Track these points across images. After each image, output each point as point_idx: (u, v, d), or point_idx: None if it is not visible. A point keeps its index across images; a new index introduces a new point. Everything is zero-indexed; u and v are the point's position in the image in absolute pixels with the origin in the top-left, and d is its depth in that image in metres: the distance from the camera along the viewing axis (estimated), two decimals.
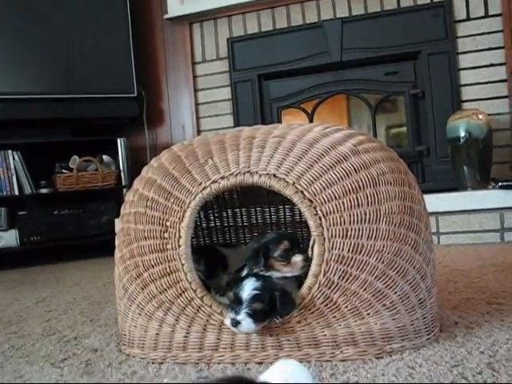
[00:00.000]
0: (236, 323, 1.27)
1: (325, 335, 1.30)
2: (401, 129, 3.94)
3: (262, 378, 0.77)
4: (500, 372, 1.16)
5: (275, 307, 1.27)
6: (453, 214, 3.06)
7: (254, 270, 1.36)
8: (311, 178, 1.30)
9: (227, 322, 1.29)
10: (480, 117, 3.18)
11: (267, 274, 1.35)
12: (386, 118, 4.03)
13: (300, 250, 1.37)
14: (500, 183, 2.98)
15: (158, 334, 1.41)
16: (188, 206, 1.35)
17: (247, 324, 1.27)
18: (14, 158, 3.66)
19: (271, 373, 0.78)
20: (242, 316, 1.26)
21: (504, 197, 2.96)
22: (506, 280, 2.01)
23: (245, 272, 1.40)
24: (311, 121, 3.88)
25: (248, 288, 1.28)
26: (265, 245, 1.39)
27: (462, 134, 3.18)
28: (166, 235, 1.36)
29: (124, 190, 3.86)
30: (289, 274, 1.36)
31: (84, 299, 2.32)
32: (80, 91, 3.79)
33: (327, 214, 1.28)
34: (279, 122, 3.94)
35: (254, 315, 1.26)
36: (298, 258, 1.34)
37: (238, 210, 1.93)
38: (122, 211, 1.50)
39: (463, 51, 3.51)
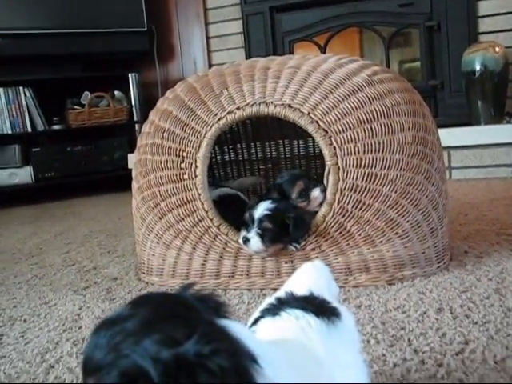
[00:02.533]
0: (246, 240, 1.32)
1: (338, 262, 1.34)
2: (414, 63, 3.87)
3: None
4: (507, 297, 1.19)
5: (287, 230, 1.30)
6: (465, 148, 3.05)
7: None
8: (326, 108, 1.31)
9: (240, 239, 1.34)
10: (497, 49, 3.12)
11: None
12: (399, 52, 3.96)
13: (315, 184, 1.39)
14: None
15: (175, 261, 1.45)
16: (204, 137, 1.37)
17: (255, 242, 1.31)
18: (25, 95, 3.65)
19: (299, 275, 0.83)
20: (252, 234, 1.31)
21: None
22: None
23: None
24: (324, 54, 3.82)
25: (261, 209, 1.32)
26: (280, 187, 1.43)
27: (478, 67, 3.12)
28: (182, 165, 1.39)
29: (136, 125, 3.86)
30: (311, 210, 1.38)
31: (101, 232, 2.37)
32: (90, 26, 3.74)
33: (342, 143, 1.30)
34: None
35: (264, 234, 1.31)
36: (316, 193, 1.36)
37: (252, 143, 1.94)
38: (138, 142, 1.52)
39: None
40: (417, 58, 3.74)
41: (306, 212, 1.37)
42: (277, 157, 1.96)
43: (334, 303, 0.71)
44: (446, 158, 3.03)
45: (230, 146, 1.94)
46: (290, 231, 1.30)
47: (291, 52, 3.87)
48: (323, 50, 3.80)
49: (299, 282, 0.77)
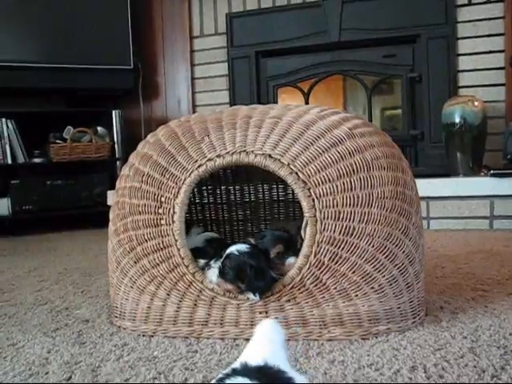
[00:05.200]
0: (208, 267, 1.37)
1: (313, 315, 1.33)
2: (396, 111, 3.95)
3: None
4: (481, 357, 1.19)
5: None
6: (444, 199, 3.09)
7: None
8: (306, 159, 1.32)
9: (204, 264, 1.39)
10: (476, 104, 3.19)
11: None
12: (381, 99, 4.04)
13: (294, 250, 1.39)
14: (492, 171, 3.00)
15: (149, 307, 1.43)
16: (183, 183, 1.36)
17: (211, 274, 1.35)
18: (7, 127, 3.64)
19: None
20: (214, 265, 1.35)
21: (495, 185, 2.98)
22: (491, 267, 2.04)
23: None
24: (307, 100, 3.88)
25: (233, 247, 1.35)
26: (261, 243, 1.44)
27: (457, 120, 3.19)
28: (160, 210, 1.38)
29: (118, 162, 3.86)
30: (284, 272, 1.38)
31: (75, 270, 2.33)
32: (76, 61, 3.76)
33: (320, 196, 1.30)
34: (275, 100, 3.94)
35: (223, 271, 1.33)
36: (291, 260, 1.36)
37: (231, 187, 1.94)
38: (117, 185, 1.51)
39: (463, 36, 3.50)
40: (399, 106, 3.81)
41: (276, 270, 1.37)
42: (256, 201, 1.96)
43: (290, 373, 0.69)
44: (425, 208, 3.06)
45: (209, 189, 1.93)
46: (246, 279, 1.30)
47: (275, 96, 3.93)
48: (307, 96, 3.86)
49: (256, 349, 0.75)
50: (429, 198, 3.08)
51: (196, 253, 1.43)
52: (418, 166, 3.60)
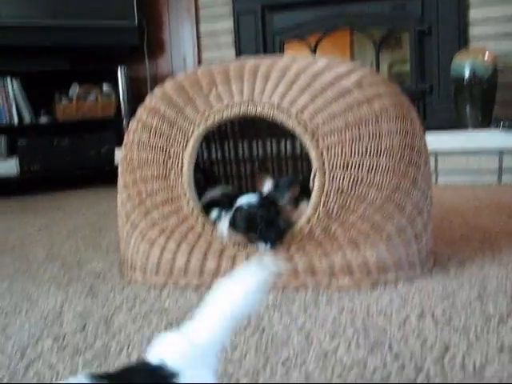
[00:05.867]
0: (218, 219, 1.38)
1: (322, 264, 1.34)
2: (404, 67, 3.88)
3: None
4: (488, 304, 1.20)
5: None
6: (452, 153, 3.07)
7: None
8: (314, 110, 1.31)
9: (214, 216, 1.39)
10: (486, 56, 3.14)
11: None
12: (389, 54, 3.97)
13: (309, 195, 1.39)
14: (502, 123, 2.97)
15: (159, 259, 1.44)
16: (191, 136, 1.36)
17: (222, 226, 1.36)
18: (12, 86, 3.62)
19: None
20: (225, 217, 1.36)
21: (504, 138, 2.95)
22: (500, 220, 2.04)
23: None
24: (314, 54, 3.83)
25: (243, 199, 1.35)
26: (277, 186, 1.44)
27: (467, 73, 3.14)
28: (168, 163, 1.38)
29: (124, 120, 3.84)
30: (295, 219, 1.38)
31: (85, 226, 2.35)
32: (81, 18, 3.71)
33: (329, 146, 1.30)
34: (282, 54, 3.89)
35: (233, 222, 1.34)
36: (305, 204, 1.36)
37: (239, 142, 1.93)
38: (125, 139, 1.51)
39: None
40: (407, 61, 3.75)
41: (285, 219, 1.37)
42: (264, 157, 1.95)
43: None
44: (433, 162, 3.04)
45: (218, 144, 1.93)
46: (258, 230, 1.31)
47: (281, 51, 3.87)
48: (314, 50, 3.80)
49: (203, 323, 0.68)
50: (437, 152, 3.06)
51: (212, 205, 1.43)
52: (426, 120, 3.56)
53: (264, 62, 1.44)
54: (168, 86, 1.48)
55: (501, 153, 2.99)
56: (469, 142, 3.04)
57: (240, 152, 1.96)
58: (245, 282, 0.69)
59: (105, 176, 3.36)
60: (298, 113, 1.31)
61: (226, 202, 1.40)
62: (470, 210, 2.29)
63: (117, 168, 1.57)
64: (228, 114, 1.35)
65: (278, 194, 1.41)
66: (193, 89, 1.40)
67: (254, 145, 1.95)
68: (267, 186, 1.46)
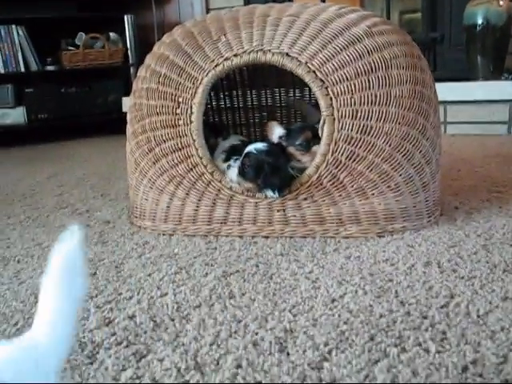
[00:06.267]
0: (228, 167, 1.39)
1: (330, 213, 1.35)
2: (415, 14, 3.80)
3: None
4: (493, 253, 1.21)
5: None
6: (462, 103, 3.04)
7: None
8: (324, 58, 1.30)
9: (225, 164, 1.42)
10: (501, 3, 3.06)
11: None
12: (400, 2, 3.88)
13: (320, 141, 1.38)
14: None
15: (168, 206, 1.46)
16: (200, 83, 1.35)
17: (232, 172, 1.38)
18: (18, 33, 3.58)
19: None
20: (234, 164, 1.38)
21: None
22: (508, 170, 2.04)
23: None
24: (323, 1, 3.75)
25: (251, 146, 1.36)
26: (288, 132, 1.43)
27: (480, 21, 3.07)
28: (178, 111, 1.38)
29: (131, 68, 3.81)
30: (307, 164, 1.38)
31: (94, 175, 2.37)
32: None
33: (338, 94, 1.29)
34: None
35: (242, 169, 1.35)
36: (316, 148, 1.36)
37: (247, 90, 1.92)
38: (134, 86, 1.51)
39: None
40: (418, 9, 3.67)
41: (296, 165, 1.37)
42: (272, 105, 1.94)
43: None
44: (442, 112, 3.01)
45: (226, 93, 1.92)
46: (262, 175, 1.32)
47: None
48: None
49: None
50: (446, 102, 3.03)
51: (232, 151, 1.44)
52: (436, 69, 3.51)
53: (274, 9, 1.42)
54: (177, 32, 1.47)
55: (511, 103, 2.95)
56: (479, 92, 3.00)
57: (249, 100, 1.94)
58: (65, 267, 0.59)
59: (112, 124, 3.35)
60: (308, 61, 1.29)
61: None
62: (478, 159, 2.28)
63: (125, 116, 1.57)
64: (237, 61, 1.34)
65: (289, 140, 1.42)
66: (202, 36, 1.39)
67: (263, 94, 1.94)
68: (277, 132, 1.46)
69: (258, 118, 1.93)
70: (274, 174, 1.31)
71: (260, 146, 1.35)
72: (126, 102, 3.44)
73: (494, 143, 2.70)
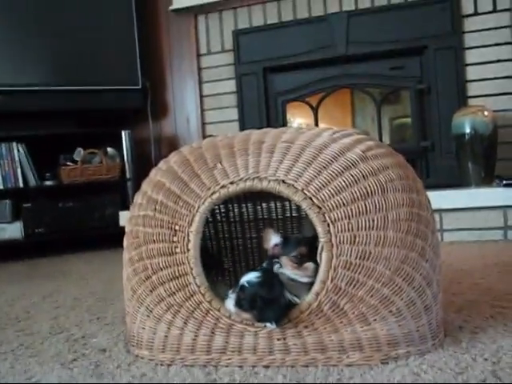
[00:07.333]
0: (226, 298, 1.37)
1: (332, 340, 1.32)
2: (405, 119, 3.93)
3: None
4: (504, 380, 1.17)
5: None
6: (457, 211, 3.07)
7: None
8: (320, 184, 1.31)
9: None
10: (485, 113, 3.18)
11: (280, 270, 1.39)
12: (390, 109, 4.03)
13: (315, 259, 1.38)
14: (504, 181, 2.98)
15: (166, 336, 1.42)
16: (197, 211, 1.36)
17: (228, 303, 1.35)
18: (18, 150, 3.67)
19: None
20: (231, 296, 1.35)
21: (508, 194, 2.96)
22: (509, 281, 2.02)
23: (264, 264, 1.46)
24: (316, 114, 3.88)
25: (245, 277, 1.34)
26: (285, 241, 1.43)
27: (468, 130, 3.18)
28: (174, 239, 1.38)
29: (128, 182, 3.87)
30: (298, 278, 1.37)
31: (90, 295, 2.34)
32: (84, 83, 3.79)
33: (335, 220, 1.29)
34: (284, 115, 3.95)
35: (237, 300, 1.33)
36: (310, 265, 1.35)
37: (243, 204, 1.92)
38: (130, 213, 1.51)
39: (470, 46, 3.50)
40: (409, 115, 3.80)
41: (300, 286, 1.35)
42: (268, 218, 1.94)
43: None
44: (438, 220, 3.04)
45: (221, 208, 1.92)
46: (257, 310, 1.30)
47: (284, 112, 3.93)
48: (315, 111, 3.86)
49: None
50: (441, 210, 3.07)
51: None
52: (429, 177, 3.58)
53: (269, 135, 1.45)
54: (173, 159, 1.49)
55: (505, 209, 2.99)
56: (472, 199, 3.05)
57: (244, 213, 1.94)
58: None
59: (110, 238, 3.36)
60: (304, 187, 1.31)
61: None
62: (478, 269, 2.27)
63: (122, 230, 1.56)
64: (234, 189, 1.35)
65: (284, 249, 1.40)
66: (198, 163, 1.41)
67: (259, 207, 1.94)
68: (273, 240, 1.45)
69: (254, 231, 1.92)
70: (269, 306, 1.29)
71: (252, 277, 1.33)
72: (123, 216, 3.47)
73: (491, 250, 2.70)
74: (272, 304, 1.30)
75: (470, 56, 3.49)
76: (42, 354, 1.59)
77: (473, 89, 3.48)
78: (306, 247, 1.39)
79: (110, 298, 2.24)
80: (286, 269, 1.39)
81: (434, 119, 3.57)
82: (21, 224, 3.61)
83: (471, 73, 3.48)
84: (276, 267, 1.41)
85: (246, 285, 1.32)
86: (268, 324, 1.31)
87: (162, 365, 1.42)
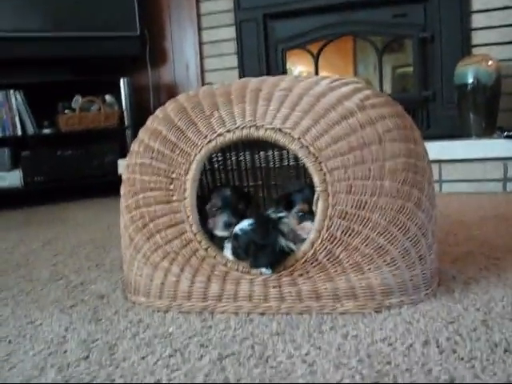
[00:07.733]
0: (224, 247, 1.41)
1: (326, 288, 1.33)
2: (407, 69, 3.86)
3: None
4: (494, 330, 1.19)
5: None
6: (456, 162, 3.06)
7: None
8: (317, 133, 1.30)
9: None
10: (489, 63, 3.12)
11: (285, 220, 1.40)
12: (392, 58, 3.96)
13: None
14: (506, 133, 2.96)
15: (163, 283, 1.44)
16: (194, 159, 1.36)
17: (226, 251, 1.39)
18: (16, 98, 3.63)
19: None
20: (228, 244, 1.39)
21: (508, 146, 2.94)
22: (505, 233, 2.03)
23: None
24: (316, 63, 3.82)
25: (239, 225, 1.36)
26: (290, 197, 1.47)
27: (470, 80, 3.13)
28: (171, 187, 1.38)
29: (127, 130, 3.85)
30: (299, 231, 1.38)
31: (89, 242, 2.35)
32: (82, 29, 3.72)
33: (332, 169, 1.29)
34: (284, 63, 3.89)
35: (232, 248, 1.37)
36: (307, 225, 1.36)
37: (241, 152, 1.91)
38: (127, 161, 1.51)
39: None
40: (410, 64, 3.74)
41: (289, 236, 1.36)
42: (266, 166, 1.93)
43: None
44: (437, 170, 3.03)
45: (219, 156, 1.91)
46: (251, 256, 1.32)
47: (284, 60, 3.87)
48: (316, 59, 3.80)
49: None
50: (441, 161, 3.05)
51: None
52: (429, 127, 3.55)
53: (266, 83, 1.43)
54: (169, 107, 1.47)
55: (505, 161, 2.97)
56: (472, 150, 3.03)
57: (242, 162, 1.94)
58: None
59: (108, 186, 3.36)
60: (301, 136, 1.30)
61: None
62: (475, 221, 2.28)
63: (120, 178, 1.55)
64: (230, 137, 1.34)
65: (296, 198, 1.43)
66: (194, 111, 1.40)
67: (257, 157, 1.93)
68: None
69: (251, 179, 1.91)
70: (262, 251, 1.30)
71: (245, 224, 1.34)
72: (122, 164, 3.46)
73: (489, 202, 2.70)
74: (265, 249, 1.31)
75: (476, 2, 3.40)
76: (42, 299, 1.61)
77: (478, 37, 3.41)
78: (309, 205, 1.40)
79: (108, 245, 2.26)
80: (291, 220, 1.40)
81: (437, 69, 3.51)
82: (20, 172, 3.61)
83: (476, 20, 3.40)
84: (281, 214, 1.41)
85: (239, 233, 1.33)
86: (263, 270, 1.33)
87: (158, 311, 1.44)
